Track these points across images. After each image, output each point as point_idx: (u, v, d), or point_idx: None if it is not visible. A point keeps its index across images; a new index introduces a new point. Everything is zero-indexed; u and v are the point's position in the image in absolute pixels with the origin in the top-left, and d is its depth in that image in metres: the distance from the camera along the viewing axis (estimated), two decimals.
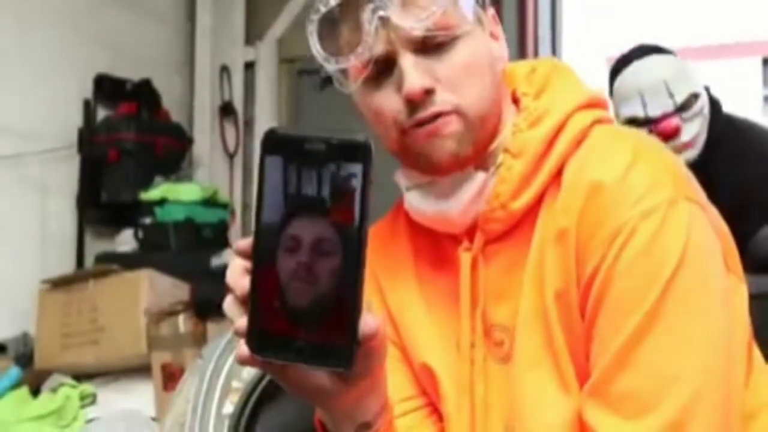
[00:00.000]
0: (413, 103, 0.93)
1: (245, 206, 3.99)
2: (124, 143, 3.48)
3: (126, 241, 3.45)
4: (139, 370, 2.76)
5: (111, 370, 2.86)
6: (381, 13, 0.92)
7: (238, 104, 3.97)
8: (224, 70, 3.99)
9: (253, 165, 3.87)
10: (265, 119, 3.90)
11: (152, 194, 3.41)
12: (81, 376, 2.87)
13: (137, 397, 2.70)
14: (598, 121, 0.99)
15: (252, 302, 0.68)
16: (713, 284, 0.89)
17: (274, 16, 3.93)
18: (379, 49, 0.93)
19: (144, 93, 3.63)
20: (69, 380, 2.83)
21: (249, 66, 4.02)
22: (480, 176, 0.97)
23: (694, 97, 2.12)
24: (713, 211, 0.98)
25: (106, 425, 2.55)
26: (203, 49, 4.03)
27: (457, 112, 0.94)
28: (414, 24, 0.91)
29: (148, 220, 3.38)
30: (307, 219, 0.67)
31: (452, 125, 0.94)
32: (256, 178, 0.69)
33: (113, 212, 3.53)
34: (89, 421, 2.67)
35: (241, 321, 0.69)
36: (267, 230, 0.68)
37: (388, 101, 0.95)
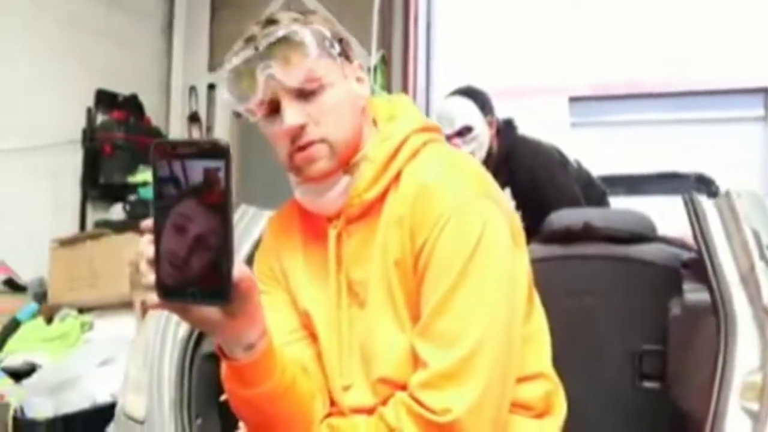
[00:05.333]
0: (292, 135, 0.92)
1: None
2: (116, 140, 3.41)
3: (117, 212, 3.38)
4: (124, 306, 2.68)
5: (104, 305, 2.76)
6: (268, 71, 0.91)
7: (203, 114, 3.89)
8: (192, 89, 3.91)
9: None
10: (221, 126, 3.84)
11: (137, 178, 3.35)
12: (82, 309, 2.78)
13: (123, 325, 2.62)
14: (429, 141, 1.00)
15: (156, 264, 0.68)
16: (501, 257, 0.91)
17: (230, 50, 3.84)
18: (268, 95, 0.93)
19: (132, 104, 3.55)
20: (73, 312, 2.74)
21: (211, 87, 3.92)
22: (345, 179, 0.98)
23: (467, 129, 2.18)
24: (506, 204, 0.99)
25: (99, 345, 2.48)
26: (177, 73, 3.94)
27: (324, 140, 0.94)
28: (290, 78, 0.91)
29: (133, 197, 3.32)
30: (191, 202, 0.66)
31: (320, 152, 0.94)
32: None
33: (108, 191, 3.44)
34: (87, 342, 2.59)
35: (150, 277, 0.68)
36: (162, 212, 0.67)
37: (278, 131, 0.94)
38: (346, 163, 0.97)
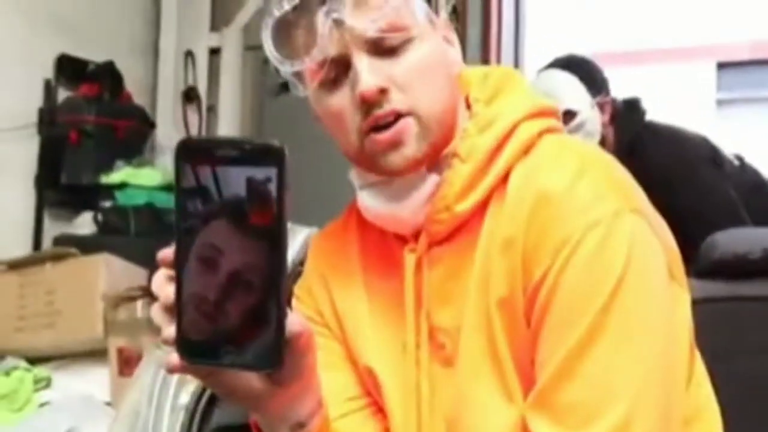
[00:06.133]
0: (368, 103, 0.92)
1: None
2: (84, 125, 3.42)
3: (85, 224, 3.40)
4: (94, 355, 2.71)
5: (66, 353, 2.80)
6: (334, 15, 0.92)
7: (202, 90, 3.92)
8: (189, 55, 3.94)
9: None
10: (228, 105, 3.87)
11: (113, 178, 3.37)
12: (35, 359, 2.82)
13: (92, 382, 2.66)
14: (547, 131, 0.99)
15: (178, 310, 0.68)
16: (655, 296, 0.90)
17: (240, 3, 3.89)
18: (334, 50, 0.93)
19: (106, 75, 3.56)
20: (23, 363, 2.77)
21: (214, 52, 3.96)
22: (433, 179, 0.98)
23: (569, 114, 2.19)
24: (659, 222, 0.98)
25: (59, 410, 2.51)
26: (168, 33, 3.97)
27: (413, 114, 0.94)
28: (367, 25, 0.91)
29: (108, 204, 3.34)
30: (226, 225, 0.67)
31: (410, 129, 0.93)
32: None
33: (73, 195, 3.47)
34: (42, 404, 2.62)
35: (169, 330, 0.69)
36: (187, 238, 0.68)
37: (344, 103, 0.95)
38: (437, 152, 0.97)
